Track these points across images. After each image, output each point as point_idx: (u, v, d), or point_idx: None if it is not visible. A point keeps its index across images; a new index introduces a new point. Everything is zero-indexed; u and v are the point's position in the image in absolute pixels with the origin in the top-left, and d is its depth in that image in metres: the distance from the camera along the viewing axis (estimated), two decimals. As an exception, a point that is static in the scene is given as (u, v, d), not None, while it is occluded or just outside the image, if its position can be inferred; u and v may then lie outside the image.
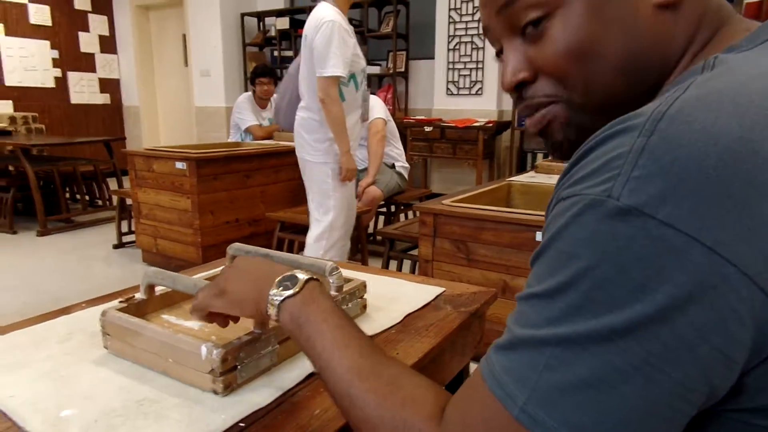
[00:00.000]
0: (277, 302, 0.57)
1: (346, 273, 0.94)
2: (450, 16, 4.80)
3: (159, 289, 0.82)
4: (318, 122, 2.27)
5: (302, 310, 0.55)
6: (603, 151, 0.36)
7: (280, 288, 0.57)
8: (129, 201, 3.43)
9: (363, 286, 0.88)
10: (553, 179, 2.47)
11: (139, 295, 0.80)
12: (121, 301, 0.78)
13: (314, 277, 0.59)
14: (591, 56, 0.44)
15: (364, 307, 0.89)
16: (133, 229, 3.50)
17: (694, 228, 0.31)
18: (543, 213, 1.62)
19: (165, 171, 2.98)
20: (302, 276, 0.58)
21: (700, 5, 0.44)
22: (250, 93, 3.98)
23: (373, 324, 0.84)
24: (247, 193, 3.09)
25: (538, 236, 1.73)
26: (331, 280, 0.82)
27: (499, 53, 0.51)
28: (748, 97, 0.34)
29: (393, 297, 0.96)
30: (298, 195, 3.37)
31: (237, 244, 0.96)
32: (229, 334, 0.72)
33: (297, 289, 0.57)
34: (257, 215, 3.15)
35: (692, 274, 0.31)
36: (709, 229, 0.31)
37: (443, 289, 1.01)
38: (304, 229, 2.80)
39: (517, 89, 0.49)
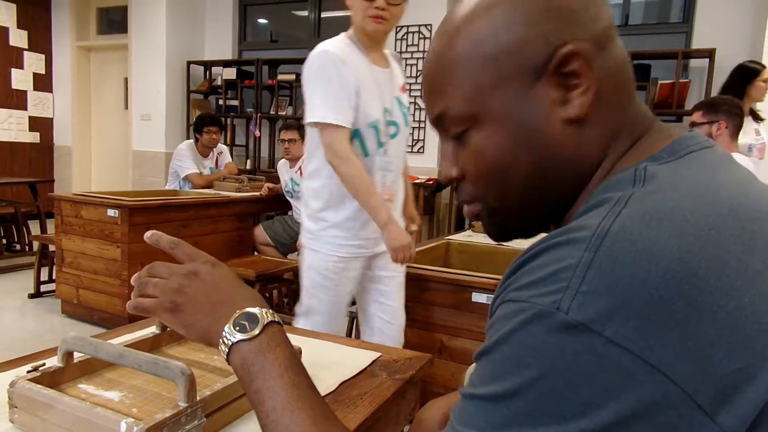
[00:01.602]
0: (230, 343, 0.52)
1: (281, 337, 0.92)
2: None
3: (78, 355, 0.77)
4: (314, 190, 1.66)
5: (257, 358, 0.51)
6: (549, 259, 0.37)
7: (236, 328, 0.53)
8: (51, 247, 3.23)
9: (298, 352, 0.86)
10: (489, 239, 2.55)
11: (54, 363, 0.75)
12: (30, 370, 0.72)
13: (276, 319, 0.55)
14: (503, 169, 0.47)
15: (298, 373, 0.87)
16: (53, 277, 3.28)
17: (639, 347, 0.33)
18: (480, 274, 1.66)
19: (94, 218, 2.85)
20: (263, 317, 0.54)
21: (613, 117, 0.46)
22: (192, 141, 3.93)
23: (306, 393, 0.82)
24: (183, 244, 2.99)
25: (475, 297, 1.77)
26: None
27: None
28: (684, 217, 0.36)
29: (328, 363, 0.94)
30: (236, 247, 3.30)
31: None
32: (152, 406, 0.68)
33: (255, 333, 0.52)
34: (192, 266, 3.04)
35: (637, 392, 0.33)
36: (652, 349, 0.33)
37: (379, 354, 1.00)
38: (240, 282, 2.72)
39: (452, 183, 0.53)
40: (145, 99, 5.89)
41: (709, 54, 3.84)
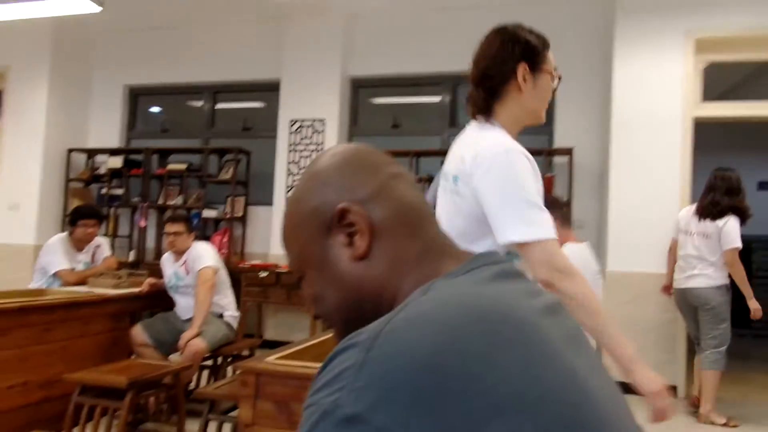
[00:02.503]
0: None
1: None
2: (288, 168, 5.09)
3: None
4: None
5: None
6: (335, 364, 0.44)
7: None
8: None
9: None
10: (378, 330, 2.56)
11: None
12: None
13: None
14: (319, 301, 0.62)
15: None
16: None
17: (402, 431, 0.38)
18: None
19: (-66, 325, 2.48)
20: None
21: (396, 249, 0.58)
22: (65, 234, 3.63)
23: None
24: (44, 350, 2.67)
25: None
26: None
27: None
28: (440, 321, 0.44)
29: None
30: (110, 350, 3.02)
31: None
32: None
33: None
34: (53, 376, 2.71)
35: None
36: None
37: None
38: (109, 391, 2.47)
39: None
40: (15, 187, 5.44)
41: (569, 152, 4.35)
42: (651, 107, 3.73)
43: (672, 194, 3.67)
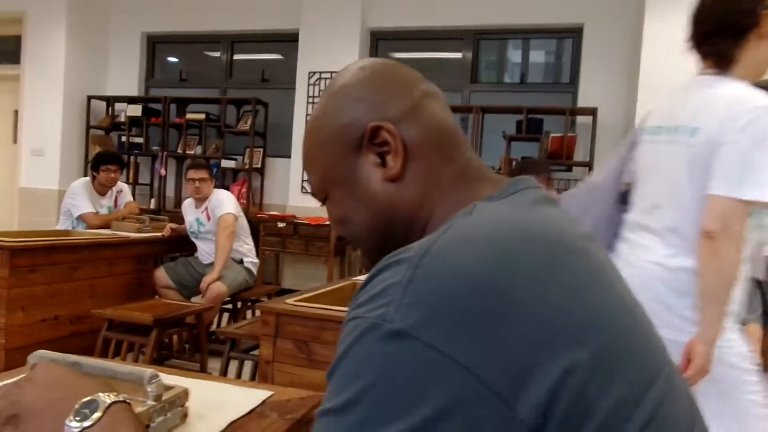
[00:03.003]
0: None
1: (170, 380, 0.90)
2: (307, 121, 5.07)
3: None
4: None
5: None
6: (380, 279, 0.43)
7: (78, 417, 0.52)
8: None
9: (185, 394, 0.85)
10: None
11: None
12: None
13: (121, 398, 0.55)
14: (348, 225, 0.60)
15: (185, 415, 0.85)
16: None
17: (451, 349, 0.38)
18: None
19: (-32, 260, 2.59)
20: (105, 399, 0.53)
21: (430, 170, 0.56)
22: (87, 178, 3.71)
23: (192, 435, 0.81)
24: (73, 287, 2.78)
25: (376, 336, 1.80)
26: (149, 389, 0.78)
27: None
28: (489, 241, 0.44)
29: (217, 404, 0.93)
30: (135, 290, 3.13)
31: (40, 352, 0.87)
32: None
33: (97, 417, 0.52)
34: (82, 312, 2.83)
35: (450, 389, 0.37)
36: (462, 351, 0.38)
37: (270, 393, 1.00)
38: (135, 328, 2.58)
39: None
40: (38, 133, 5.52)
41: (592, 112, 4.28)
42: (680, 69, 3.62)
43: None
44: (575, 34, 4.65)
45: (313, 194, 0.65)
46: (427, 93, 0.60)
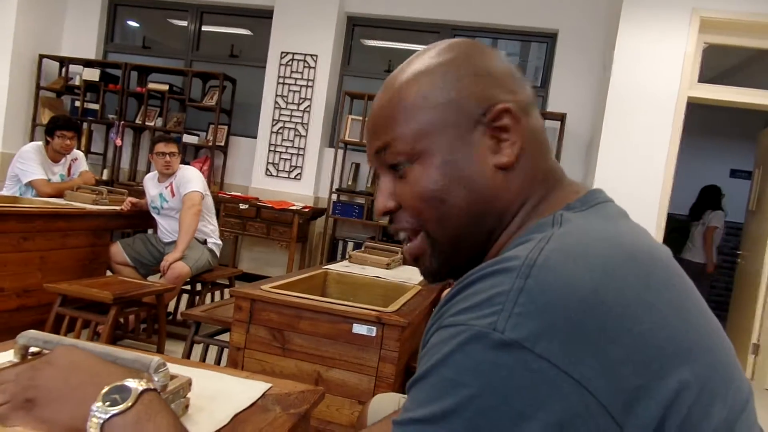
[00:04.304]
0: (102, 420, 0.47)
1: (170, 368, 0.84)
2: (276, 102, 4.95)
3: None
4: None
5: (135, 430, 0.47)
6: (483, 287, 0.41)
7: (107, 402, 0.48)
8: None
9: (188, 384, 0.80)
10: (366, 270, 2.60)
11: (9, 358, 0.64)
12: None
13: (151, 386, 0.52)
14: (439, 201, 0.53)
15: (187, 407, 0.80)
16: None
17: (564, 363, 0.37)
18: (359, 304, 1.67)
19: None
20: (136, 386, 0.50)
21: (533, 169, 0.54)
22: (40, 143, 3.47)
23: (198, 427, 0.76)
24: (22, 258, 2.60)
25: (355, 328, 1.78)
26: (155, 378, 0.73)
27: (375, 177, 0.58)
28: (595, 256, 0.43)
29: (216, 395, 0.88)
30: (89, 265, 2.96)
31: (31, 332, 0.80)
32: None
33: (129, 404, 0.48)
34: (31, 285, 2.65)
35: (562, 403, 0.36)
36: (575, 365, 0.37)
37: (269, 385, 0.96)
38: (91, 305, 2.44)
39: (387, 214, 0.57)
40: (-19, 90, 5.12)
41: (561, 118, 4.38)
42: (649, 82, 3.76)
43: (657, 172, 3.77)
44: (549, 39, 4.73)
45: (379, 159, 0.56)
46: (533, 93, 0.58)
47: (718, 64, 4.67)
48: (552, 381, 0.37)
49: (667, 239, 4.00)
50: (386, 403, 1.04)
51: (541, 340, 0.37)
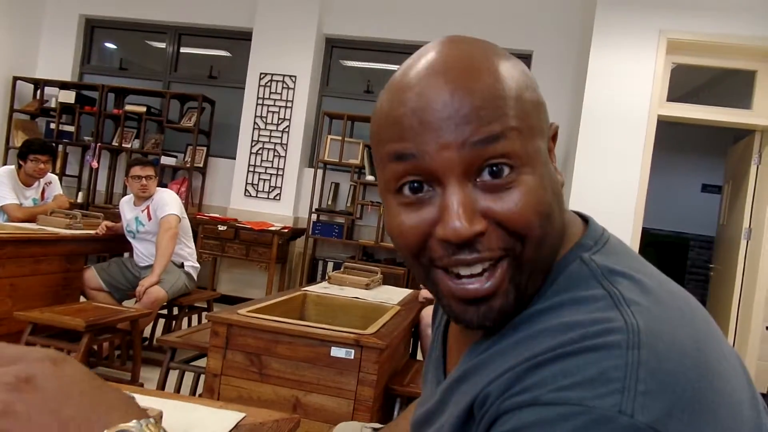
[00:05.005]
0: None
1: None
2: (255, 122, 4.95)
3: None
4: None
5: None
6: (586, 360, 0.37)
7: None
8: None
9: (159, 417, 0.78)
10: (345, 291, 2.59)
11: None
12: None
13: (161, 427, 0.42)
14: (550, 217, 0.44)
15: (156, 442, 0.78)
16: None
17: None
18: (337, 327, 1.64)
19: None
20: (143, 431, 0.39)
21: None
22: (12, 167, 3.41)
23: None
24: (-9, 286, 2.54)
25: (334, 351, 1.77)
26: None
27: (416, 187, 0.45)
28: (676, 311, 0.40)
29: (188, 428, 0.87)
30: (61, 291, 2.90)
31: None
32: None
33: None
34: (1, 313, 2.58)
35: None
36: None
37: (243, 415, 0.95)
38: (62, 333, 2.39)
39: (469, 241, 0.43)
40: (-47, 112, 5.03)
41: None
42: (621, 101, 3.86)
43: (631, 187, 3.85)
44: (524, 59, 4.83)
45: (481, 142, 0.42)
46: None
47: (687, 82, 4.81)
48: None
49: (643, 253, 4.05)
50: (348, 432, 1.02)
51: (671, 419, 0.34)
